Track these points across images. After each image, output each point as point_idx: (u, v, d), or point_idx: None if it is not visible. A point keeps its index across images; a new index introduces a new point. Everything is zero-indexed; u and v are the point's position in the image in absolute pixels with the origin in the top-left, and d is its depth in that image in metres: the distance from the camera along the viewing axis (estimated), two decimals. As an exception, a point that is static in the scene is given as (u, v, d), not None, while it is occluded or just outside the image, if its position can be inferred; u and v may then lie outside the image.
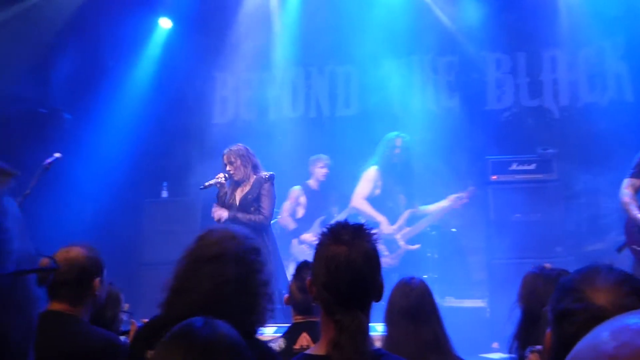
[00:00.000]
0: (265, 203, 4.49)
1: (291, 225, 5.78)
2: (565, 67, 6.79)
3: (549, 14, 6.58)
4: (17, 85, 6.04)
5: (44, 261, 2.10)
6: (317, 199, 5.84)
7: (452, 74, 7.10)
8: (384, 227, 5.10)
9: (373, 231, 1.56)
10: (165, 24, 7.07)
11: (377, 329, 3.79)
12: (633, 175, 4.12)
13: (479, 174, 5.79)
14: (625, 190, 4.10)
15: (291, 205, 5.87)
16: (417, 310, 2.25)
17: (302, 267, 2.66)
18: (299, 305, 2.59)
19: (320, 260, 1.53)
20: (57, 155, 4.18)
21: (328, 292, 1.49)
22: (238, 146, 4.66)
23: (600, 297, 1.03)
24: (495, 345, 4.50)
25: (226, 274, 1.59)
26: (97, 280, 2.15)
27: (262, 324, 1.70)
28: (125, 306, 2.77)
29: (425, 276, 5.70)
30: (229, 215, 4.47)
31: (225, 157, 4.61)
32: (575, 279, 1.10)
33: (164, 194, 6.40)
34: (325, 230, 1.58)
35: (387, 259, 4.97)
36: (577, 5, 6.46)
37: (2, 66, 5.78)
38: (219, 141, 7.23)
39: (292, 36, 7.10)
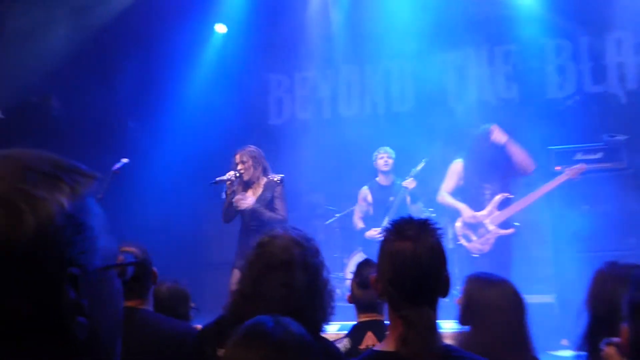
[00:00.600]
0: (279, 205, 4.54)
1: (359, 225, 5.67)
2: (632, 49, 6.47)
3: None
4: (86, 94, 6.32)
5: (119, 257, 2.20)
6: (385, 194, 5.62)
7: (509, 64, 6.91)
8: (465, 213, 5.02)
9: (438, 225, 1.54)
10: (220, 29, 7.22)
11: (446, 326, 3.75)
12: None
13: (542, 165, 5.60)
14: None
15: (360, 207, 5.75)
16: (499, 308, 2.16)
17: (362, 264, 2.64)
18: (361, 303, 2.57)
19: (385, 256, 1.52)
20: (124, 160, 4.35)
21: (394, 288, 1.49)
22: (250, 147, 4.68)
23: None
24: (564, 342, 4.35)
25: (295, 281, 1.64)
26: (154, 271, 2.27)
27: (327, 322, 1.73)
28: (191, 304, 2.85)
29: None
30: (253, 206, 4.48)
31: (237, 156, 4.62)
32: None
33: (224, 194, 6.53)
34: (389, 226, 1.57)
35: (476, 244, 4.95)
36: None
37: (73, 76, 6.08)
38: (276, 142, 7.35)
39: (345, 34, 7.10)
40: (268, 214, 4.48)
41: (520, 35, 6.71)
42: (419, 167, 5.46)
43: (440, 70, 7.02)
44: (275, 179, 4.61)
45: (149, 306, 2.24)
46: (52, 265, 0.56)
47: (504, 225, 4.92)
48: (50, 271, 0.56)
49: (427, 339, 1.43)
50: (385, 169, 5.60)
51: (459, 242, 5.09)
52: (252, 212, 4.49)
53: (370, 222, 5.61)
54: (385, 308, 1.81)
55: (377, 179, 5.70)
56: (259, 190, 4.58)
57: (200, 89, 7.01)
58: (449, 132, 6.18)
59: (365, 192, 5.71)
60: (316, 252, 1.74)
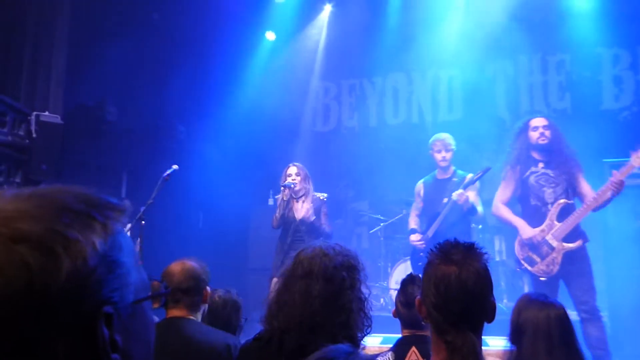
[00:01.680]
0: (325, 221, 4.85)
1: (412, 223, 5.08)
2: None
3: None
4: (139, 100, 6.52)
5: (155, 284, 2.29)
6: (439, 189, 4.89)
7: (562, 74, 6.74)
8: (523, 231, 4.25)
9: (484, 250, 1.53)
10: (270, 36, 7.33)
11: (492, 344, 3.68)
12: None
13: (596, 178, 5.43)
14: None
15: (416, 204, 5.16)
16: (565, 337, 2.12)
17: (406, 282, 2.63)
18: (405, 319, 2.56)
19: (429, 280, 1.51)
20: (174, 167, 4.47)
21: (438, 313, 1.48)
22: (301, 164, 4.99)
23: None
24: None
25: (313, 290, 1.63)
26: (207, 289, 2.38)
27: (358, 339, 1.70)
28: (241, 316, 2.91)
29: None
30: (307, 217, 4.78)
31: (293, 167, 4.90)
32: None
33: (270, 201, 6.62)
34: (434, 249, 1.57)
35: (541, 267, 4.17)
36: None
37: (128, 82, 6.28)
38: (323, 148, 7.41)
39: (393, 41, 7.08)
40: (319, 223, 4.77)
41: (575, 44, 6.54)
42: (476, 176, 4.61)
43: (491, 79, 6.92)
44: (321, 197, 4.93)
45: (197, 317, 2.32)
46: (86, 305, 0.58)
47: (569, 238, 4.11)
48: (84, 311, 0.58)
49: (472, 366, 1.42)
50: (445, 164, 4.88)
51: (523, 267, 4.34)
52: (301, 223, 4.74)
53: (420, 221, 5.11)
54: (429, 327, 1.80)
55: (435, 172, 5.01)
56: (308, 205, 4.82)
57: (249, 94, 7.13)
58: (498, 142, 6.06)
59: (419, 187, 5.12)
60: (346, 267, 1.71)
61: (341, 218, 6.87)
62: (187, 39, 6.95)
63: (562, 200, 4.11)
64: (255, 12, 7.02)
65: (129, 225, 5.48)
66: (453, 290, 1.45)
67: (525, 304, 2.17)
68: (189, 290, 2.27)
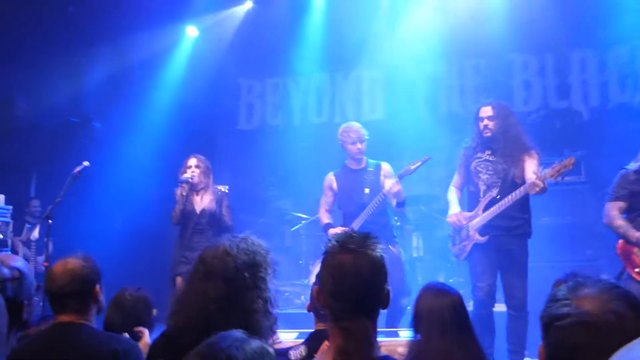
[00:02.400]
0: (227, 214, 4.72)
1: (324, 218, 4.83)
2: (595, 68, 6.66)
3: (577, 14, 6.46)
4: (51, 95, 6.23)
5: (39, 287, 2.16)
6: (355, 181, 4.66)
7: (478, 77, 7.04)
8: (448, 216, 4.32)
9: (379, 240, 1.58)
10: (192, 32, 7.20)
11: (403, 334, 3.78)
12: (616, 198, 3.96)
13: (506, 177, 5.72)
14: (613, 214, 3.94)
15: (325, 198, 4.88)
16: (462, 321, 2.22)
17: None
18: (320, 312, 2.59)
19: (327, 268, 1.55)
20: (85, 163, 4.31)
21: (335, 300, 1.51)
22: (202, 156, 4.83)
23: (586, 304, 1.05)
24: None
25: (211, 293, 1.60)
26: (98, 287, 2.21)
27: (262, 337, 1.67)
28: (154, 311, 2.84)
29: (451, 280, 5.68)
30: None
31: (193, 159, 4.76)
32: (563, 289, 1.11)
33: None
34: (332, 239, 1.60)
35: (454, 249, 4.30)
36: (607, 4, 6.33)
37: (38, 77, 5.98)
38: (246, 146, 7.36)
39: (318, 42, 7.14)
40: (220, 216, 4.66)
41: (490, 49, 6.84)
42: (413, 166, 4.40)
43: (412, 81, 7.12)
44: (223, 189, 4.80)
45: (89, 319, 2.17)
46: None
47: (484, 230, 4.14)
48: None
49: (365, 351, 1.46)
50: (359, 156, 4.70)
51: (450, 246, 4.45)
52: (201, 216, 4.63)
53: (337, 216, 4.91)
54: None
55: (347, 162, 4.82)
56: (208, 198, 4.71)
57: (170, 91, 6.97)
58: (417, 142, 6.25)
59: (330, 179, 4.87)
60: (249, 266, 1.67)
61: (264, 216, 6.85)
62: (105, 32, 6.70)
63: (490, 194, 4.15)
64: (176, 6, 6.87)
65: (37, 225, 5.24)
66: (348, 278, 1.50)
67: (424, 292, 2.28)
68: (73, 294, 2.11)
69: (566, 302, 1.07)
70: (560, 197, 5.35)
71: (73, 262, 2.17)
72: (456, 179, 4.47)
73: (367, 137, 4.68)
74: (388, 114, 7.03)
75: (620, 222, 3.91)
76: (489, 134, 4.18)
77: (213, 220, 4.66)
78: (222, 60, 7.23)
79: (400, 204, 4.51)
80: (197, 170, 4.72)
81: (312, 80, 7.42)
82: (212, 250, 1.69)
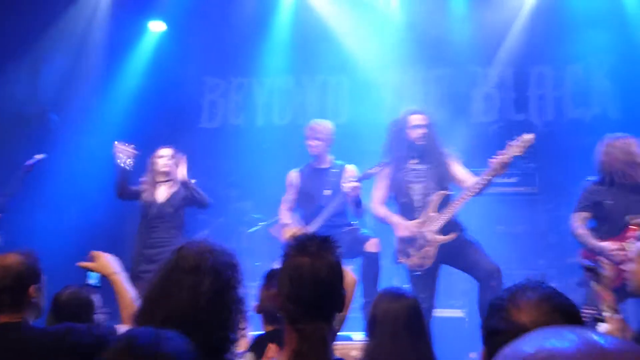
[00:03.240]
0: (201, 195, 4.71)
1: (284, 217, 4.74)
2: (552, 83, 6.88)
3: (536, 32, 6.68)
4: (6, 85, 6.04)
5: None
6: (316, 181, 4.57)
7: (441, 87, 7.17)
8: (398, 228, 4.24)
9: (338, 244, 1.60)
10: (156, 27, 7.08)
11: (354, 338, 3.82)
12: (581, 209, 4.16)
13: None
14: (577, 224, 4.12)
15: (287, 195, 4.81)
16: (415, 324, 2.25)
17: (271, 274, 2.66)
18: (268, 314, 2.59)
19: (284, 271, 1.57)
20: (38, 156, 4.21)
21: (291, 303, 1.53)
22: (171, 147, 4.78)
23: (523, 316, 1.08)
24: (472, 355, 4.54)
25: (204, 285, 1.58)
26: (33, 287, 2.14)
27: (233, 342, 1.66)
28: (99, 313, 2.78)
29: (406, 286, 5.76)
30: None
31: (168, 149, 4.72)
32: (502, 298, 1.15)
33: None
34: (291, 241, 1.61)
35: (414, 260, 4.18)
36: (565, 24, 6.56)
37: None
38: (207, 145, 7.28)
39: (285, 44, 7.14)
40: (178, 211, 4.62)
41: (455, 61, 6.99)
42: (372, 170, 4.35)
43: (376, 87, 7.20)
44: (192, 182, 4.75)
45: (24, 318, 2.10)
46: None
47: (445, 230, 4.16)
48: None
49: (320, 353, 1.48)
50: (315, 152, 4.63)
51: (399, 261, 4.33)
52: (162, 207, 4.59)
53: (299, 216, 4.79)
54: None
55: (311, 160, 4.74)
56: (174, 189, 4.66)
57: (131, 85, 6.84)
58: (380, 147, 6.31)
59: (293, 176, 4.78)
60: (230, 265, 1.68)
61: (223, 217, 6.79)
62: (65, 23, 6.54)
63: (442, 192, 4.19)
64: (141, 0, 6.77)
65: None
66: (305, 280, 1.51)
67: (379, 297, 2.32)
68: (5, 290, 2.04)
69: (504, 314, 1.10)
70: (513, 206, 5.51)
71: (12, 257, 2.11)
72: (377, 195, 4.41)
73: (326, 137, 4.63)
74: (352, 119, 7.08)
75: (581, 231, 4.09)
76: (423, 142, 4.20)
77: (172, 214, 4.61)
78: (186, 56, 7.14)
79: (358, 207, 4.44)
80: (171, 162, 4.69)
81: (277, 82, 7.40)
82: (194, 247, 1.67)
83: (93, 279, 2.37)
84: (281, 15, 7.16)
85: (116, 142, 4.65)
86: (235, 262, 1.71)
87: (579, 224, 4.13)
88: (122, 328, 2.16)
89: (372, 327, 2.25)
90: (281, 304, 1.56)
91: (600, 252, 3.95)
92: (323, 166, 4.66)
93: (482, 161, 5.91)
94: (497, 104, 6.96)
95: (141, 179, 4.78)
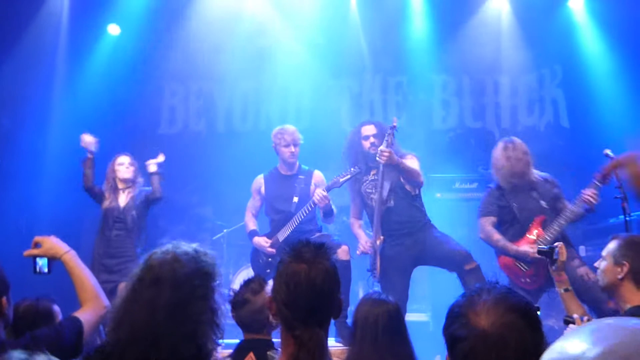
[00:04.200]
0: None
1: (250, 224, 4.64)
2: (508, 92, 7.12)
3: (493, 43, 6.90)
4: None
5: None
6: (284, 188, 4.51)
7: (400, 94, 7.30)
8: (360, 243, 4.34)
9: (332, 251, 1.62)
10: (113, 30, 6.92)
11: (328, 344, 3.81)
12: (487, 214, 4.23)
13: (424, 191, 5.95)
14: (489, 228, 4.18)
15: (253, 201, 4.70)
16: (396, 329, 2.27)
17: (242, 287, 2.65)
18: (238, 322, 2.59)
19: (280, 277, 1.57)
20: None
21: (288, 309, 1.53)
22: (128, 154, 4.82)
23: (482, 320, 1.12)
24: (437, 358, 4.60)
25: (160, 300, 1.51)
26: (4, 299, 2.03)
27: (207, 351, 1.59)
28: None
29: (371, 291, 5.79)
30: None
31: (126, 157, 4.78)
32: (460, 304, 1.18)
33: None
34: (287, 248, 1.63)
35: (376, 273, 4.22)
36: (520, 35, 6.80)
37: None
38: (167, 151, 7.13)
39: (245, 48, 7.10)
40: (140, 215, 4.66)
41: (412, 68, 7.12)
42: (342, 178, 4.25)
43: (337, 93, 7.26)
44: (147, 188, 4.79)
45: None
46: None
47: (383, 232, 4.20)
48: None
49: (317, 359, 1.47)
50: (292, 160, 4.51)
51: (369, 270, 4.33)
52: (123, 213, 4.59)
53: (264, 223, 4.72)
54: (277, 328, 1.81)
55: (278, 166, 4.64)
56: (131, 194, 4.70)
57: (88, 89, 6.64)
58: (340, 152, 6.34)
59: (259, 182, 4.68)
60: (200, 274, 1.59)
61: (183, 224, 6.68)
62: (17, 24, 6.31)
63: (386, 205, 4.16)
64: (98, 3, 6.60)
65: None
66: (302, 287, 1.52)
67: (361, 302, 2.35)
68: None
69: (464, 320, 1.13)
70: (473, 211, 5.62)
71: None
72: (353, 210, 4.54)
73: (301, 142, 4.56)
74: (313, 124, 7.09)
75: (497, 236, 4.13)
76: (375, 151, 4.15)
77: (133, 221, 4.61)
78: (145, 61, 7.00)
79: (328, 215, 4.41)
80: (132, 168, 4.73)
81: (238, 87, 7.35)
82: (159, 256, 1.59)
83: (41, 266, 2.23)
84: (242, 21, 7.12)
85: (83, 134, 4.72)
86: (208, 271, 1.63)
87: (491, 228, 4.19)
88: (82, 314, 2.09)
89: (354, 331, 2.27)
90: (277, 310, 1.55)
91: (517, 256, 4.01)
92: (291, 173, 4.59)
93: (440, 168, 6.06)
94: (456, 111, 7.14)
95: (101, 187, 4.74)
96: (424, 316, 5.54)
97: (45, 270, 2.22)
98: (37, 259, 2.21)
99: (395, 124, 4.18)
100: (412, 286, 5.86)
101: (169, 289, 1.51)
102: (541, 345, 1.11)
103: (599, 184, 3.81)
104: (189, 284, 1.54)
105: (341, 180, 4.25)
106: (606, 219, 5.18)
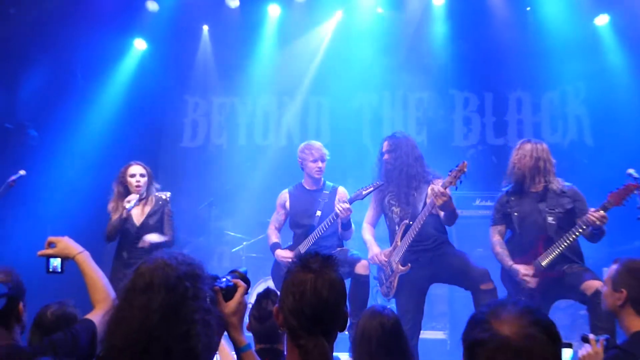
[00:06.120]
0: (168, 225, 4.44)
1: (273, 237, 4.65)
2: (530, 109, 7.06)
3: (515, 59, 6.86)
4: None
5: None
6: (308, 203, 4.55)
7: (421, 110, 7.29)
8: (369, 252, 4.31)
9: (340, 262, 1.63)
10: (140, 45, 7.08)
11: (341, 358, 3.80)
12: (495, 223, 4.15)
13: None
14: (494, 240, 4.10)
15: (277, 215, 4.74)
16: (391, 343, 2.26)
17: (262, 296, 2.66)
18: (257, 333, 2.59)
19: (287, 287, 1.60)
20: (21, 172, 4.13)
21: (293, 318, 1.55)
22: (142, 163, 4.47)
23: (505, 328, 1.12)
24: (455, 377, 4.54)
25: (154, 304, 1.52)
26: (21, 305, 2.08)
27: (199, 350, 1.58)
28: None
29: (389, 306, 5.77)
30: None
31: (138, 166, 4.40)
32: (483, 312, 1.19)
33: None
34: (295, 259, 1.66)
35: (383, 288, 4.23)
36: (543, 51, 6.75)
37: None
38: (189, 164, 7.25)
39: (267, 64, 7.20)
40: (156, 238, 4.32)
41: (433, 84, 7.12)
42: (366, 191, 4.23)
43: (357, 109, 7.29)
44: (164, 197, 4.49)
45: (12, 337, 2.04)
46: None
47: (404, 260, 4.14)
48: None
49: (321, 368, 1.48)
50: (318, 176, 4.55)
51: (375, 286, 4.34)
52: (141, 230, 4.34)
53: (287, 236, 4.74)
54: (284, 338, 1.82)
55: (303, 182, 4.68)
56: (149, 207, 4.43)
57: (113, 103, 6.79)
58: (361, 167, 6.36)
59: (284, 197, 4.70)
60: (189, 276, 1.60)
61: (203, 236, 6.74)
62: (47, 38, 6.48)
63: (404, 222, 4.14)
64: (125, 17, 6.75)
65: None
66: (308, 296, 1.55)
67: (363, 315, 2.35)
68: None
69: (486, 326, 1.13)
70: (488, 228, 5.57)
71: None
72: (369, 215, 4.48)
73: (328, 157, 4.59)
74: (333, 139, 7.13)
75: (498, 249, 4.06)
76: (389, 167, 4.23)
77: (154, 232, 4.35)
78: (169, 75, 7.15)
79: (346, 228, 4.41)
80: (143, 180, 4.35)
81: (259, 102, 7.44)
82: (150, 263, 1.61)
83: (55, 266, 2.26)
84: (264, 37, 7.23)
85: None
86: (198, 272, 1.64)
87: (497, 239, 4.10)
88: (95, 316, 2.11)
89: (354, 345, 2.28)
90: (283, 320, 1.57)
91: (515, 275, 3.89)
92: (316, 187, 4.62)
93: (461, 184, 5.99)
94: (477, 127, 7.10)
95: (111, 199, 4.49)
96: (441, 334, 5.47)
97: (59, 270, 2.26)
98: (51, 259, 2.25)
99: (465, 169, 4.01)
100: (431, 303, 5.85)
101: (161, 293, 1.52)
102: None
103: (608, 205, 3.62)
104: (181, 286, 1.55)
105: (364, 192, 4.24)
106: (631, 242, 5.07)
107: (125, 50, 7.02)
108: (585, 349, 2.38)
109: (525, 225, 3.99)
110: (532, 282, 3.81)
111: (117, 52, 6.94)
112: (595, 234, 3.74)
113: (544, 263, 3.80)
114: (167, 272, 1.57)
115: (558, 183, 4.02)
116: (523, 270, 3.85)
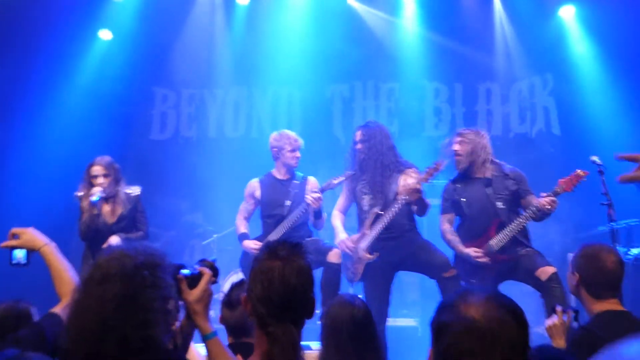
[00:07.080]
0: (142, 221, 4.42)
1: (241, 227, 4.60)
2: (499, 99, 7.14)
3: (484, 51, 6.94)
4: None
5: None
6: (278, 192, 4.52)
7: (392, 100, 7.31)
8: (336, 238, 4.36)
9: (308, 250, 1.63)
10: (105, 35, 6.92)
11: (312, 347, 3.79)
12: (444, 211, 4.23)
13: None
14: (444, 228, 4.20)
15: (246, 205, 4.68)
16: (361, 333, 2.25)
17: (235, 286, 2.62)
18: (230, 325, 2.55)
19: (255, 274, 1.59)
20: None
21: (262, 305, 1.54)
22: (109, 157, 4.34)
23: (472, 311, 1.13)
24: (426, 365, 4.57)
25: (109, 293, 1.51)
26: None
27: (160, 337, 1.58)
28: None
29: (360, 296, 5.79)
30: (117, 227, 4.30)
31: (99, 167, 4.24)
32: (451, 298, 1.20)
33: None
34: (264, 247, 1.66)
35: (348, 273, 4.26)
36: (512, 43, 6.84)
37: None
38: (158, 157, 7.14)
39: (236, 55, 7.12)
40: (130, 235, 4.26)
41: (404, 75, 7.15)
42: (337, 180, 4.28)
43: (329, 99, 7.28)
44: (134, 193, 4.41)
45: None
46: None
47: (372, 248, 4.17)
48: None
49: (290, 356, 1.47)
50: (295, 164, 4.56)
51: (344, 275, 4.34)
52: (113, 227, 4.27)
53: (256, 226, 4.68)
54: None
55: (274, 171, 4.65)
56: (120, 206, 4.34)
57: (79, 95, 6.64)
58: (333, 158, 6.36)
59: (254, 186, 4.66)
60: (147, 265, 1.59)
61: (175, 229, 6.66)
62: (7, 27, 6.30)
63: (374, 210, 4.17)
64: (90, 8, 6.60)
65: None
66: (276, 283, 1.54)
67: (331, 304, 2.33)
68: None
69: (454, 309, 1.14)
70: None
71: None
72: (340, 202, 4.52)
73: (302, 147, 4.62)
74: (304, 129, 7.09)
75: (448, 236, 4.16)
76: (362, 156, 4.27)
77: (127, 230, 4.29)
78: (136, 66, 7.00)
79: (318, 217, 4.41)
80: (107, 180, 4.23)
81: (229, 93, 7.36)
82: (107, 254, 1.59)
83: (19, 258, 2.19)
84: (233, 27, 7.15)
85: None
86: (155, 261, 1.63)
87: (447, 227, 4.19)
88: (61, 309, 2.06)
89: (323, 334, 2.26)
90: (252, 308, 1.57)
91: (467, 258, 4.00)
92: (285, 177, 4.61)
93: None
94: (448, 117, 7.16)
95: (77, 194, 4.37)
96: (412, 321, 5.52)
97: (24, 262, 2.19)
98: (15, 251, 2.18)
99: (440, 168, 4.03)
100: (403, 291, 5.89)
101: (117, 282, 1.50)
102: (527, 347, 1.12)
103: (559, 190, 3.76)
104: (138, 275, 1.52)
105: (335, 182, 4.28)
106: (595, 227, 5.18)
107: (89, 42, 6.85)
108: (552, 319, 2.52)
109: (474, 211, 4.08)
110: (485, 259, 3.92)
111: (82, 43, 6.78)
112: (542, 216, 3.91)
113: (496, 246, 3.91)
114: (123, 261, 1.55)
115: (500, 167, 4.14)
116: (473, 252, 3.96)
